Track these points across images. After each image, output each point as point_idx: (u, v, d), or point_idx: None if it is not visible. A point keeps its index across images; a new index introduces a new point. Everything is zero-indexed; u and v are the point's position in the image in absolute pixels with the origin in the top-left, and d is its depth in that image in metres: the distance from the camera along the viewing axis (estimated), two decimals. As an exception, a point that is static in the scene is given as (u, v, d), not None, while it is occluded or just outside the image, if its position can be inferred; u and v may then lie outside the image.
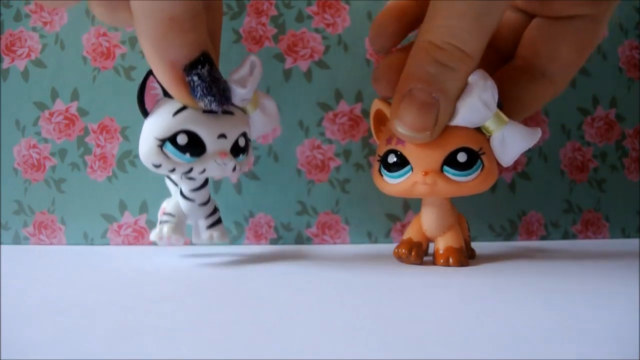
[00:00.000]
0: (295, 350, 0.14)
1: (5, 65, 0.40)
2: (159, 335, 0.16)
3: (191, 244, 0.33)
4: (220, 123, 0.27)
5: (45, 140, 0.40)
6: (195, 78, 0.24)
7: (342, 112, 0.41)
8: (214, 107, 0.25)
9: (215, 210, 0.31)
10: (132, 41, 0.40)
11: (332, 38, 0.41)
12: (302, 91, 0.41)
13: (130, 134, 0.40)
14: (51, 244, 0.40)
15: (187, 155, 0.26)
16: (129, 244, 0.40)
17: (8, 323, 0.17)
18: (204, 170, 0.27)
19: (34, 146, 0.40)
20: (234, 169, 0.28)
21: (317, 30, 0.41)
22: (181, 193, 0.30)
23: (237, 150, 0.28)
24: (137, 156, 0.41)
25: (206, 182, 0.30)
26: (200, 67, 0.24)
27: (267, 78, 0.40)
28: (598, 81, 0.43)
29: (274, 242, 0.41)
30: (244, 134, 0.28)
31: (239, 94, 0.27)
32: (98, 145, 0.40)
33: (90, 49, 0.40)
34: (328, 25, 0.41)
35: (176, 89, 0.25)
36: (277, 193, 0.41)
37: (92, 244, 0.40)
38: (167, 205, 0.31)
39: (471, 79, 0.26)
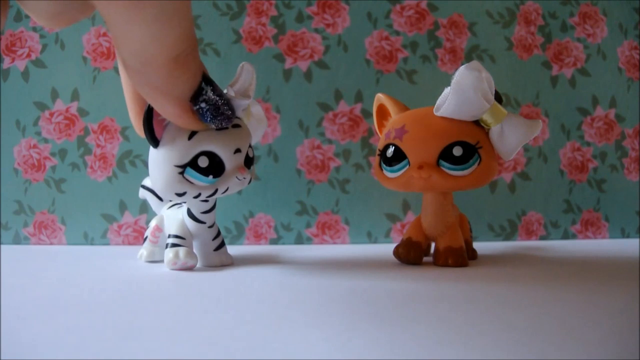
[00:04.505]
0: (295, 349, 0.14)
1: (5, 65, 0.40)
2: (158, 335, 0.16)
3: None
4: (234, 138, 0.26)
5: (46, 141, 0.40)
6: (203, 105, 0.23)
7: (342, 112, 0.41)
8: (224, 124, 0.24)
9: (219, 232, 0.30)
10: (132, 41, 0.40)
11: (332, 38, 0.41)
12: (302, 91, 0.41)
13: (130, 134, 0.40)
14: (51, 244, 0.40)
15: (210, 177, 0.26)
16: (129, 244, 0.40)
17: (8, 323, 0.17)
18: (227, 189, 0.26)
19: (34, 146, 0.40)
20: (249, 181, 0.27)
21: (317, 31, 0.41)
22: (190, 214, 0.29)
23: (247, 162, 0.27)
24: (137, 156, 0.41)
25: (215, 203, 0.29)
26: (204, 92, 0.23)
27: (267, 78, 0.40)
28: (598, 81, 0.43)
29: (274, 242, 0.41)
30: (250, 145, 0.27)
31: (242, 104, 0.26)
32: (98, 146, 0.40)
33: (90, 49, 0.40)
34: (328, 25, 0.41)
35: (185, 120, 0.24)
36: (277, 193, 0.41)
37: (92, 244, 0.40)
38: (167, 226, 0.30)
39: (463, 70, 0.26)
